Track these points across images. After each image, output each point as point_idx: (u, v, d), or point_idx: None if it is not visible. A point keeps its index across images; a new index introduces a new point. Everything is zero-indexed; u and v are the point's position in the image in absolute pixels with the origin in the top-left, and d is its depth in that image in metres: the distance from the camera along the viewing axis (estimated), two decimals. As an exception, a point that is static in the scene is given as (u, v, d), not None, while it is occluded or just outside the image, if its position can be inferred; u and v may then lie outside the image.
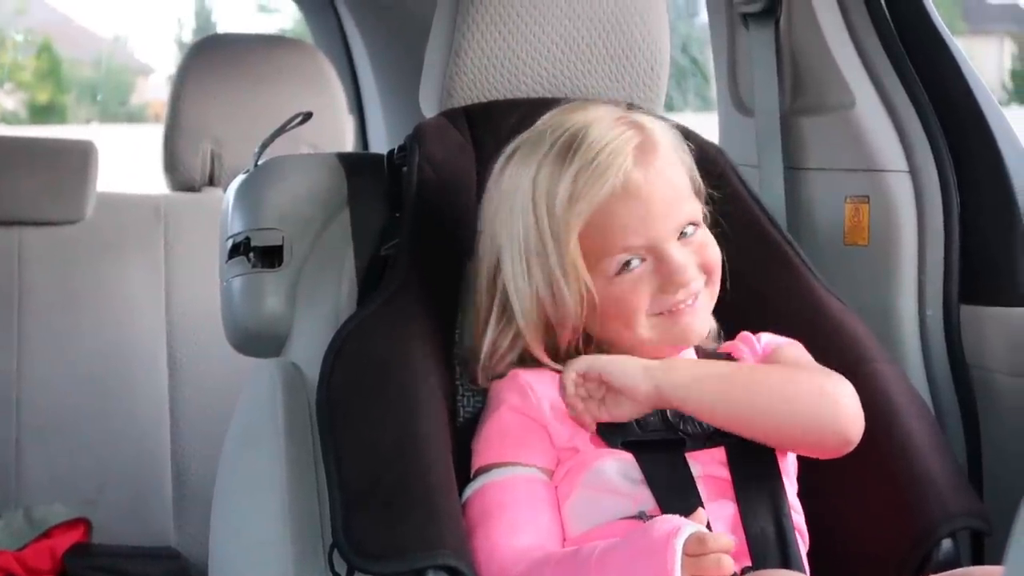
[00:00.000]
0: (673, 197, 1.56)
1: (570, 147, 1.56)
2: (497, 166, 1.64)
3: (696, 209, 1.60)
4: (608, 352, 1.61)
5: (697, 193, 1.64)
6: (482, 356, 1.64)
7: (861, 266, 2.08)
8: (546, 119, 1.64)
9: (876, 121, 2.07)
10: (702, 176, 1.66)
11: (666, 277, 1.55)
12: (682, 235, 1.57)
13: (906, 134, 2.05)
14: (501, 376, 1.64)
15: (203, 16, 9.04)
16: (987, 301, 1.96)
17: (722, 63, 2.37)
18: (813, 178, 2.17)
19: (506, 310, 1.62)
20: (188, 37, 9.60)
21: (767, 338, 1.68)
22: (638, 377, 1.56)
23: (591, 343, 1.62)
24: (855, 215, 2.09)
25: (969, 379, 1.96)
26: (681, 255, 1.55)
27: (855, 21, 2.11)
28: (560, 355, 1.62)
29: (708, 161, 1.79)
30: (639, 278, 1.56)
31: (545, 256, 1.56)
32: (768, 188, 2.16)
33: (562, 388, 1.57)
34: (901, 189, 2.04)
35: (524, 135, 1.64)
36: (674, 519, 1.40)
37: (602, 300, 1.56)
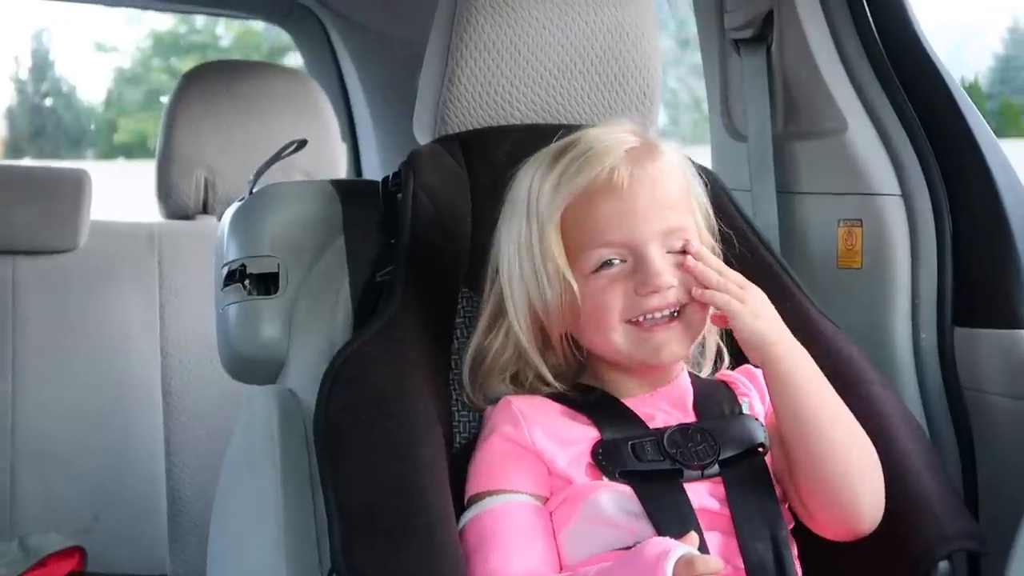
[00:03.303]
0: (661, 202, 1.56)
1: (566, 148, 1.59)
2: (511, 178, 1.66)
3: (687, 223, 1.59)
4: (596, 364, 1.63)
5: (709, 228, 1.65)
6: (471, 355, 1.66)
7: (855, 289, 2.08)
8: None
9: (868, 145, 2.08)
10: None
11: (641, 279, 1.54)
12: (671, 250, 1.57)
13: (898, 158, 2.05)
14: (493, 400, 1.65)
15: (40, 54, 8.80)
16: (981, 323, 1.96)
17: (714, 89, 2.38)
18: (806, 202, 2.18)
19: (501, 308, 1.64)
20: (25, 74, 9.46)
21: None
22: (777, 319, 1.57)
23: (583, 352, 1.64)
24: (848, 238, 2.09)
25: (963, 401, 1.97)
26: (660, 260, 1.55)
27: (846, 46, 2.13)
28: (556, 361, 1.64)
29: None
30: (615, 276, 1.56)
31: (531, 247, 1.58)
32: (761, 212, 2.17)
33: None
34: (894, 212, 2.04)
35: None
36: (665, 541, 1.41)
37: (581, 298, 1.56)
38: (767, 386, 1.59)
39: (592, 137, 1.59)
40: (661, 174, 1.58)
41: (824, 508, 1.57)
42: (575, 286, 1.56)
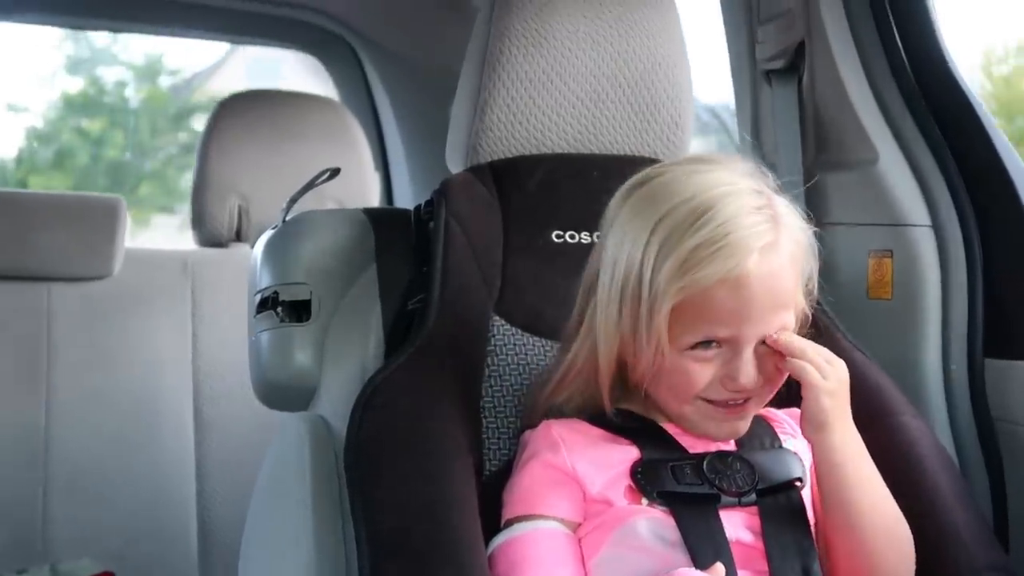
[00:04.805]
0: (774, 304, 1.54)
1: (699, 217, 1.51)
2: (625, 188, 1.61)
3: (788, 321, 1.56)
4: (657, 409, 1.62)
5: (807, 295, 1.62)
6: (562, 369, 1.63)
7: (885, 320, 2.08)
8: (676, 165, 1.60)
9: (899, 176, 2.08)
10: None
11: (731, 374, 1.54)
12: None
13: (929, 189, 2.05)
14: (533, 424, 1.65)
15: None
16: (1011, 355, 1.96)
17: (745, 119, 2.38)
18: (836, 232, 2.17)
19: (592, 328, 1.60)
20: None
21: None
22: (846, 405, 1.56)
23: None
24: (878, 269, 2.09)
25: (994, 432, 1.96)
26: (751, 362, 1.54)
27: (877, 78, 2.13)
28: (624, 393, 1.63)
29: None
30: (708, 360, 1.54)
31: (638, 304, 1.53)
32: (792, 242, 2.17)
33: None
34: (924, 244, 2.04)
35: (651, 171, 1.60)
36: (690, 572, 1.41)
37: (669, 365, 1.55)
38: (815, 466, 1.58)
39: (726, 217, 1.51)
40: (782, 269, 1.54)
41: None
42: (666, 355, 1.54)
